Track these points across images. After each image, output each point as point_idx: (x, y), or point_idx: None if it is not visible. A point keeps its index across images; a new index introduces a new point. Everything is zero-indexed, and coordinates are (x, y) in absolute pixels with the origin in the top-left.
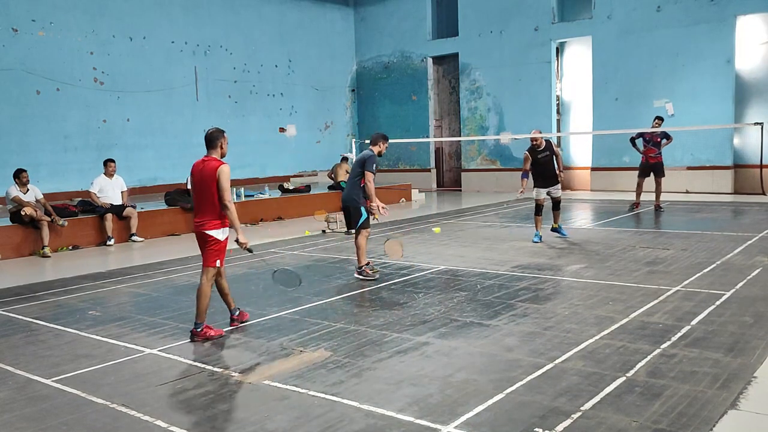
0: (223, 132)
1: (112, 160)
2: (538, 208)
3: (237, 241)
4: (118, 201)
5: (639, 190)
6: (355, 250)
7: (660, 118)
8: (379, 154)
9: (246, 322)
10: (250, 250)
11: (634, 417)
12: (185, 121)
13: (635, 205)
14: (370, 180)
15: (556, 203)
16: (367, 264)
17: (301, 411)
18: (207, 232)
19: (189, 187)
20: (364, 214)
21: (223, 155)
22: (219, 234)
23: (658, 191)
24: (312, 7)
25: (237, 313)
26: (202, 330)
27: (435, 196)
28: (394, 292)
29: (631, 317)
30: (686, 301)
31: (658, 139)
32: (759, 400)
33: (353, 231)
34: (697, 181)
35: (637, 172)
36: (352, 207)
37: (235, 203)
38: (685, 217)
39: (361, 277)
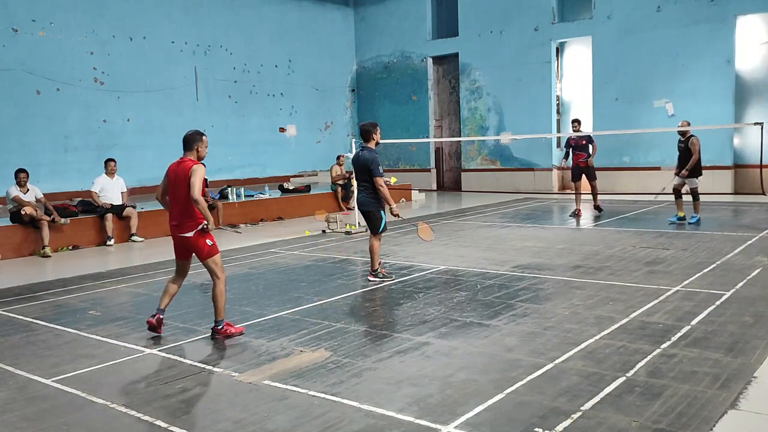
0: (201, 134)
1: (113, 160)
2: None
3: (206, 227)
4: (118, 201)
5: (577, 196)
6: (370, 253)
7: (577, 121)
8: (376, 144)
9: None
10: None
11: (634, 417)
12: (185, 121)
13: (576, 211)
14: (382, 184)
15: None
16: (380, 264)
17: (301, 411)
18: (184, 235)
19: (161, 190)
20: (384, 219)
21: (200, 158)
22: (197, 230)
23: (594, 193)
24: (312, 7)
25: (161, 314)
26: (222, 327)
27: (435, 196)
28: (394, 292)
29: (631, 317)
30: (686, 301)
31: (583, 142)
32: (759, 400)
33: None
34: None
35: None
36: (373, 212)
37: (235, 203)
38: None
39: (377, 279)
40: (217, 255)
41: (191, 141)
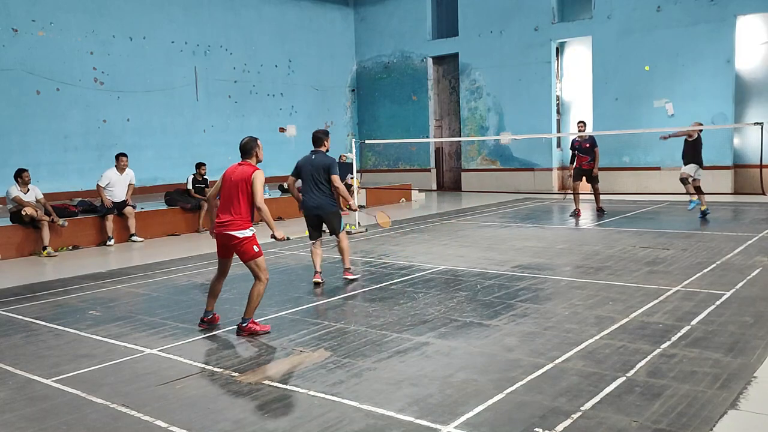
0: (256, 140)
1: (125, 155)
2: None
3: (273, 236)
4: (121, 198)
5: (576, 197)
6: (343, 253)
7: (582, 123)
8: (327, 151)
9: (215, 325)
10: (288, 238)
11: (634, 417)
12: (185, 121)
13: (576, 211)
14: (339, 184)
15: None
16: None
17: (301, 411)
18: (231, 233)
19: (214, 192)
20: (343, 217)
21: (259, 161)
22: (246, 233)
23: (596, 194)
24: (312, 7)
25: (210, 315)
26: (247, 325)
27: (435, 196)
28: (394, 292)
29: (631, 317)
30: (686, 301)
31: (587, 145)
32: (759, 400)
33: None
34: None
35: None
36: (331, 213)
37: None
38: (685, 217)
39: (351, 277)
40: (261, 257)
41: (249, 148)
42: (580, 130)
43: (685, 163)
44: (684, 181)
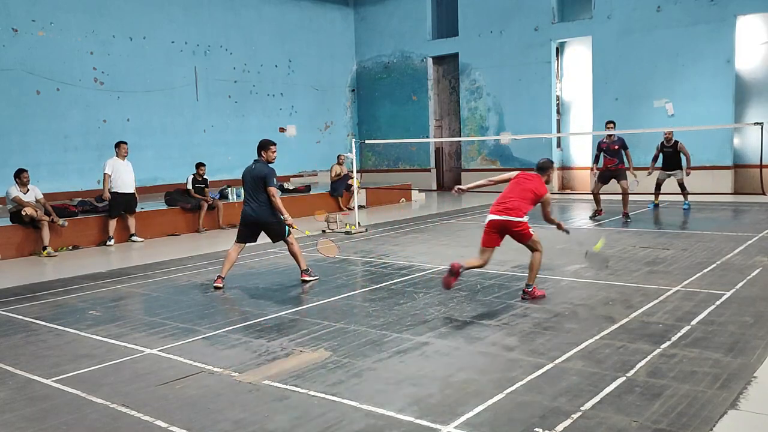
0: (551, 162)
1: (125, 142)
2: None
3: (564, 229)
4: (131, 187)
5: (597, 197)
6: (295, 256)
7: (612, 123)
8: (270, 162)
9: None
10: (568, 231)
11: (634, 417)
12: (185, 121)
13: (598, 212)
14: (275, 194)
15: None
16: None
17: (301, 411)
18: (512, 218)
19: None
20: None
21: (548, 182)
22: (522, 219)
23: (625, 194)
24: (312, 7)
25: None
26: (531, 290)
27: (435, 196)
28: (394, 292)
29: (631, 317)
30: (686, 301)
31: (615, 147)
32: (759, 400)
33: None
34: (697, 181)
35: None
36: (272, 222)
37: (235, 203)
38: (685, 217)
39: (309, 279)
40: (535, 235)
41: (546, 167)
42: (608, 128)
43: (672, 170)
44: (681, 185)
